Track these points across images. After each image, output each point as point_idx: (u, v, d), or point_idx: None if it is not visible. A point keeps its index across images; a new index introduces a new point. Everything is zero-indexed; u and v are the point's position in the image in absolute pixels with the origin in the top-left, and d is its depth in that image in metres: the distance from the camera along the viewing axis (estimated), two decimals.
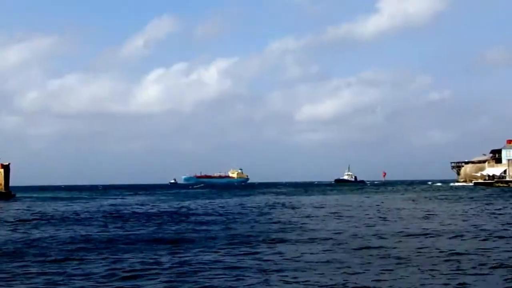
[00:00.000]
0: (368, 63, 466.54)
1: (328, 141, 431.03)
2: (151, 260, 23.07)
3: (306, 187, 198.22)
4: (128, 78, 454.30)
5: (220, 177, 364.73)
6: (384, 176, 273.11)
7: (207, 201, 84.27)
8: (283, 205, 68.53)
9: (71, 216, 52.00)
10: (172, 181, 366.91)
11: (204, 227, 37.71)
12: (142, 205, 74.07)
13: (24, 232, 36.29)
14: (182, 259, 23.40)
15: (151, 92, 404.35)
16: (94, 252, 25.91)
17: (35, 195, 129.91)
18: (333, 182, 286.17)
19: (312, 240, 29.18)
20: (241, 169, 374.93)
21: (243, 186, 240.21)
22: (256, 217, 46.59)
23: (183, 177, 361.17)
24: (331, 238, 29.97)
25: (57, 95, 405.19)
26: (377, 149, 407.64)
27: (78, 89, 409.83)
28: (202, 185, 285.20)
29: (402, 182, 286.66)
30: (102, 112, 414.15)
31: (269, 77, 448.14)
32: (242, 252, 25.00)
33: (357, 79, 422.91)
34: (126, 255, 24.66)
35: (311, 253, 24.40)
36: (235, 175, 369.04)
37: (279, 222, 41.30)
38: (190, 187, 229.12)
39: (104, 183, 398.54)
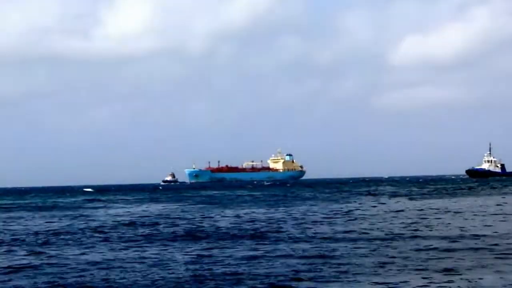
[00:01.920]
0: None
1: (448, 102, 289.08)
2: None
3: (424, 186, 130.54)
4: None
5: (254, 169, 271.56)
6: None
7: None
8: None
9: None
10: (168, 178, 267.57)
11: None
12: None
13: None
14: None
15: (132, 16, 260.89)
16: None
17: None
18: (463, 176, 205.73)
19: None
20: (290, 155, 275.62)
21: (294, 185, 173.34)
22: None
23: (187, 170, 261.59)
24: None
25: None
26: None
27: None
28: (219, 181, 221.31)
29: None
30: (44, 55, 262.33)
31: None
32: None
33: None
34: None
35: None
36: (279, 166, 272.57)
37: None
38: (197, 186, 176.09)
39: (38, 184, 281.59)
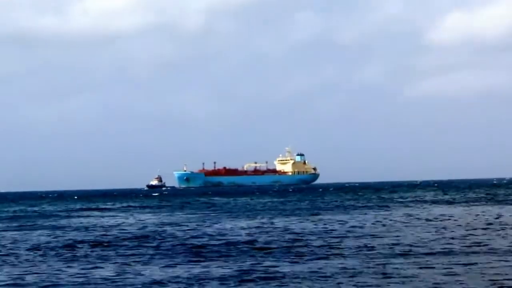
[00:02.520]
0: None
1: (498, 89, 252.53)
2: None
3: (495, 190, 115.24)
4: None
5: (257, 172, 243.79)
6: None
7: None
8: None
9: None
10: (153, 182, 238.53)
11: None
12: None
13: None
14: None
15: None
16: None
17: None
18: None
19: None
20: (301, 156, 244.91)
21: (307, 190, 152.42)
22: None
23: (177, 173, 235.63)
24: None
25: None
26: None
27: None
28: (215, 186, 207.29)
29: None
30: (12, 34, 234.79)
31: None
32: None
33: None
34: None
35: None
36: (288, 168, 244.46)
37: None
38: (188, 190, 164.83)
39: None
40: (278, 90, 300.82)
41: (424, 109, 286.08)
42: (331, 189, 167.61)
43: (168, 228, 46.16)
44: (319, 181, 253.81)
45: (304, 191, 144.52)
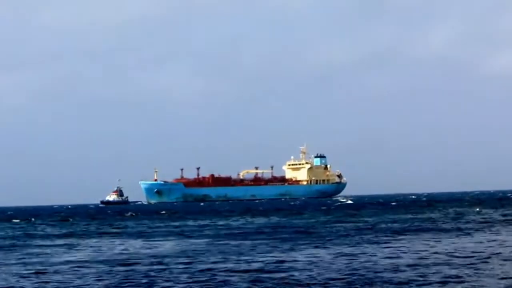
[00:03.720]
0: None
1: None
2: None
3: None
4: None
5: (258, 181, 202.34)
6: None
7: None
8: None
9: None
10: (111, 197, 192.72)
11: None
12: None
13: None
14: None
15: None
16: None
17: None
18: None
19: None
20: (322, 158, 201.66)
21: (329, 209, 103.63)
22: None
23: (144, 184, 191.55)
24: None
25: None
26: None
27: None
28: (198, 200, 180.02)
29: None
30: None
31: None
32: None
33: None
34: None
35: None
36: (302, 175, 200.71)
37: None
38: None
39: None
40: (292, 62, 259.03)
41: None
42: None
43: None
44: (345, 192, 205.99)
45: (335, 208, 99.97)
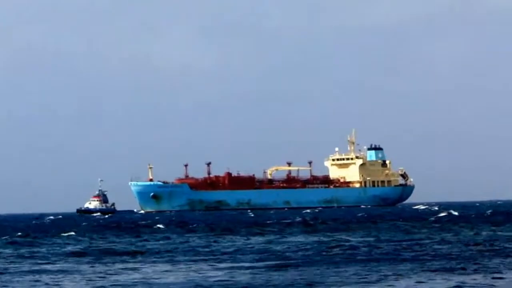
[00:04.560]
0: None
1: None
2: None
3: None
4: None
5: (293, 183, 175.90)
6: None
7: None
8: None
9: None
10: (91, 204, 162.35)
11: None
12: None
13: None
14: None
15: None
16: None
17: None
18: None
19: None
20: (377, 151, 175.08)
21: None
22: None
23: (135, 185, 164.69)
24: None
25: None
26: None
27: None
28: (210, 209, 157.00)
29: None
30: None
31: None
32: None
33: None
34: None
35: None
36: (353, 174, 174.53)
37: None
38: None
39: None
40: (332, 21, 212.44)
41: None
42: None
43: None
44: (412, 199, 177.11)
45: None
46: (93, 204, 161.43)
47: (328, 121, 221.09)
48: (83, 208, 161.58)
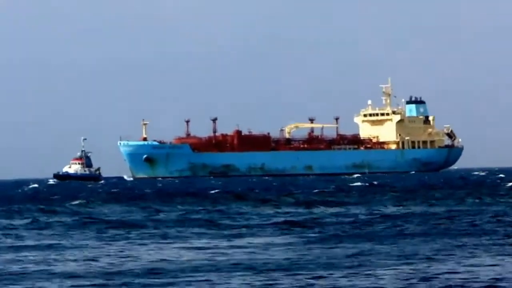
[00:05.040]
0: None
1: None
2: None
3: None
4: None
5: (315, 144, 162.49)
6: None
7: None
8: None
9: None
10: (71, 168, 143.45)
11: None
12: None
13: None
14: None
15: None
16: None
17: None
18: None
19: None
20: (419, 104, 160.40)
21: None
22: None
23: (125, 146, 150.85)
24: None
25: None
26: None
27: None
28: (215, 175, 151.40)
29: None
30: None
31: None
32: None
33: None
34: None
35: None
36: (389, 134, 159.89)
37: None
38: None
39: None
40: None
41: None
42: None
43: None
44: (460, 163, 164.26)
45: None
46: (73, 168, 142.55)
47: (359, 69, 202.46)
48: (61, 173, 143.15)
